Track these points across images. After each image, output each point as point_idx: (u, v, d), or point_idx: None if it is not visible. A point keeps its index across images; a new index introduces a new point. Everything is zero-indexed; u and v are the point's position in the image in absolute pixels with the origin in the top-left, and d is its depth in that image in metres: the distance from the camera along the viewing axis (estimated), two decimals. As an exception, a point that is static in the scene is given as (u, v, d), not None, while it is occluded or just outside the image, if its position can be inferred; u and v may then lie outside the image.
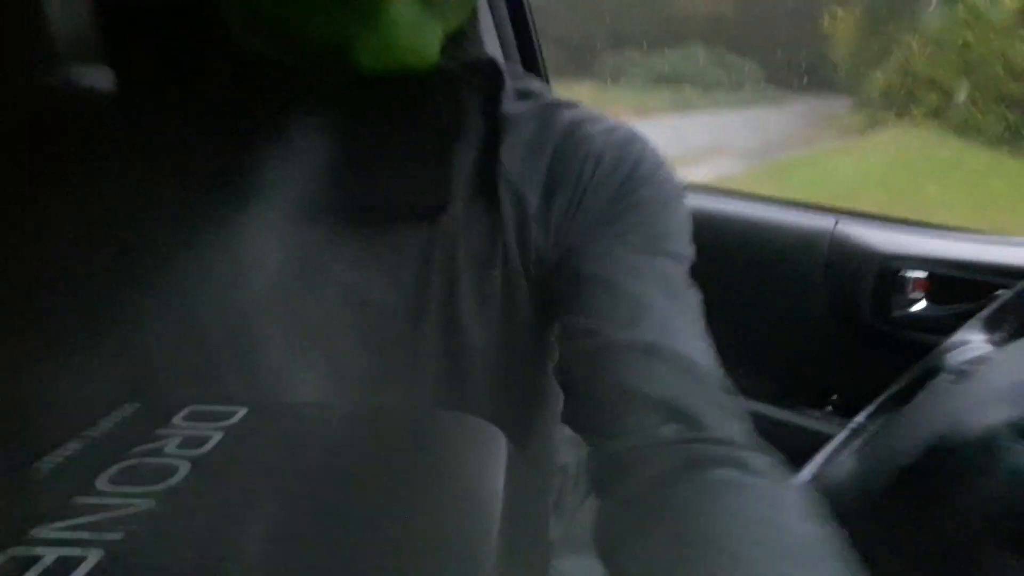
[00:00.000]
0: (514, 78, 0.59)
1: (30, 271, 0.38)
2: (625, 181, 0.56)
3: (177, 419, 0.29)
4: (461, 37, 0.50)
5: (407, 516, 0.24)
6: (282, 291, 0.48)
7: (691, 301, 0.54)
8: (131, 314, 0.43)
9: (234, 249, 0.47)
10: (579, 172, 0.54)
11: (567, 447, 0.59)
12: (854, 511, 0.54)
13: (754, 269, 1.05)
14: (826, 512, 0.38)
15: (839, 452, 0.67)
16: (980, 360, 0.60)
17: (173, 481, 0.25)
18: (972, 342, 0.67)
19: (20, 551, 0.22)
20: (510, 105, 0.56)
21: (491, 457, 0.26)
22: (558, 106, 0.57)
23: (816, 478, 0.66)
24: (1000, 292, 0.81)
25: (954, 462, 0.52)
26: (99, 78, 0.51)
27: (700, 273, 0.49)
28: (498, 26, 1.31)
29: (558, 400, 0.52)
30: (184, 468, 0.25)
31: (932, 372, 0.64)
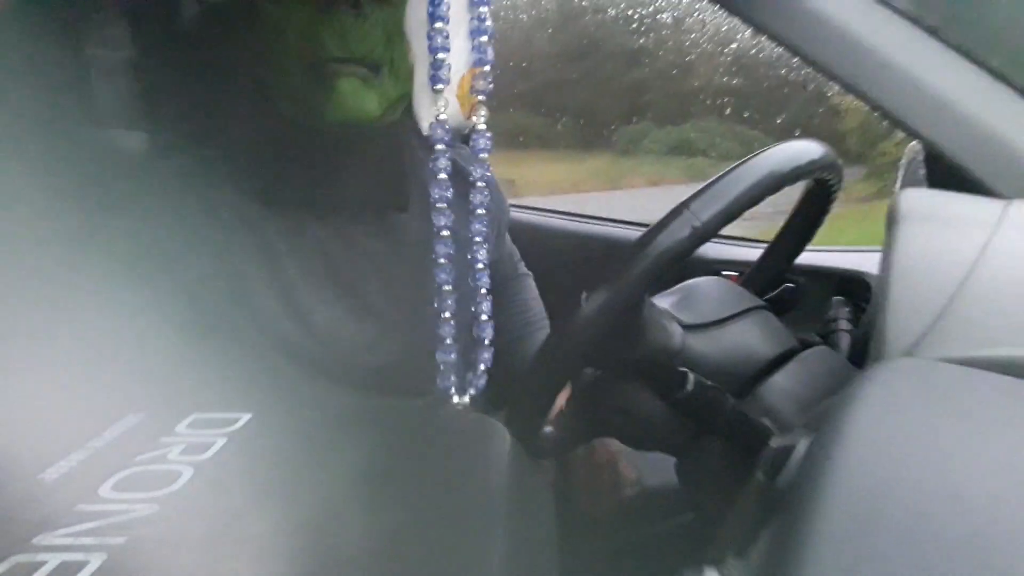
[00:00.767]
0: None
1: (43, 287, 0.40)
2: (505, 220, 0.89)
3: (181, 426, 0.29)
4: (406, 99, 0.72)
5: (412, 512, 0.24)
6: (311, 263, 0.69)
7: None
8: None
9: (263, 248, 0.68)
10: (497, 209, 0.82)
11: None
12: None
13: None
14: None
15: None
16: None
17: (175, 486, 0.25)
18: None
19: (24, 558, 0.22)
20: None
21: (493, 451, 0.26)
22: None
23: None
24: (789, 285, 1.16)
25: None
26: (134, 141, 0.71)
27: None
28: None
29: None
30: (187, 473, 0.25)
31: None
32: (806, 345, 0.70)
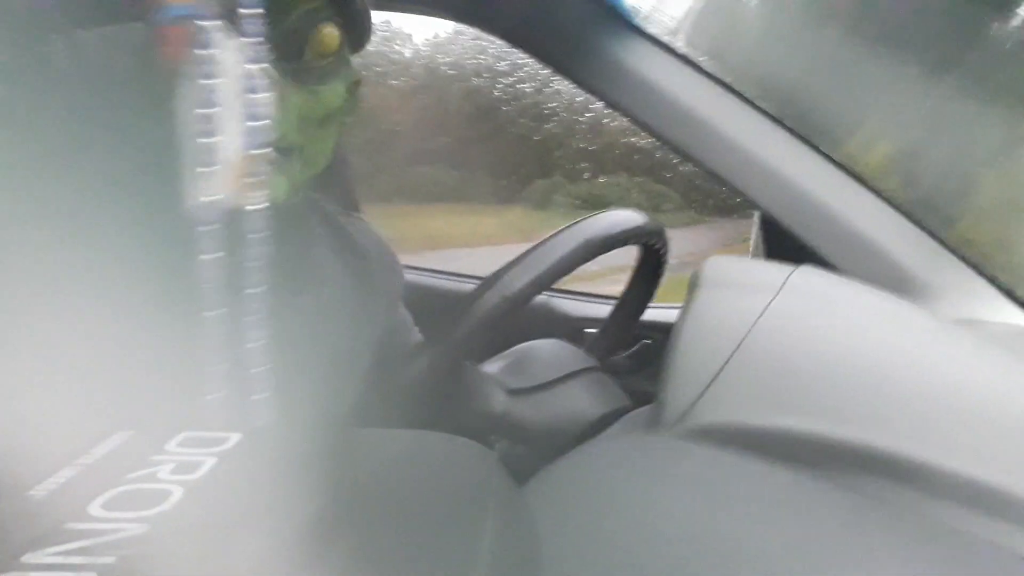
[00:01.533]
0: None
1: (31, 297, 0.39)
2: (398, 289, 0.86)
3: (171, 445, 0.29)
4: (311, 182, 0.71)
5: (399, 535, 0.25)
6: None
7: None
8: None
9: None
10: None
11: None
12: None
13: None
14: None
15: None
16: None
17: (166, 506, 0.25)
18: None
19: None
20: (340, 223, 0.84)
21: (481, 476, 0.27)
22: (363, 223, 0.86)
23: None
24: (646, 341, 1.23)
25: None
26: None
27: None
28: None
29: None
30: (177, 493, 0.26)
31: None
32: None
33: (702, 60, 0.86)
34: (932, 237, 0.82)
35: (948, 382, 0.45)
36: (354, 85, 0.75)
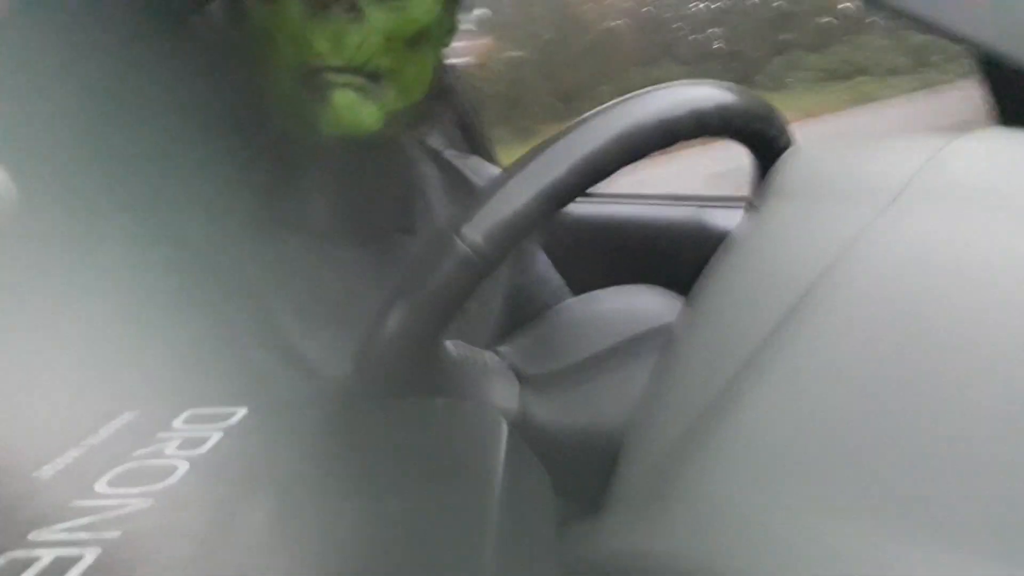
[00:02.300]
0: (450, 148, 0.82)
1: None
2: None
3: (177, 422, 0.29)
4: (411, 111, 0.67)
5: (406, 506, 0.24)
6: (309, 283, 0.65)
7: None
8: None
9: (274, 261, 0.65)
10: None
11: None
12: None
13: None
14: None
15: None
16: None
17: (171, 480, 0.25)
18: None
19: (19, 553, 0.22)
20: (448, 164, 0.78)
21: (491, 443, 0.26)
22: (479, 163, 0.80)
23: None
24: None
25: None
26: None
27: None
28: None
29: None
30: (183, 468, 0.25)
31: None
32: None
33: None
34: None
35: None
36: (451, 2, 0.69)
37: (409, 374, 0.39)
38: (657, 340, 0.48)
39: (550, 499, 0.29)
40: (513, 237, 0.39)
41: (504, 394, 0.44)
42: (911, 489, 0.24)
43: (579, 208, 1.40)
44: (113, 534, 0.22)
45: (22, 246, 0.36)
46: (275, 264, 0.65)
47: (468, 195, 0.71)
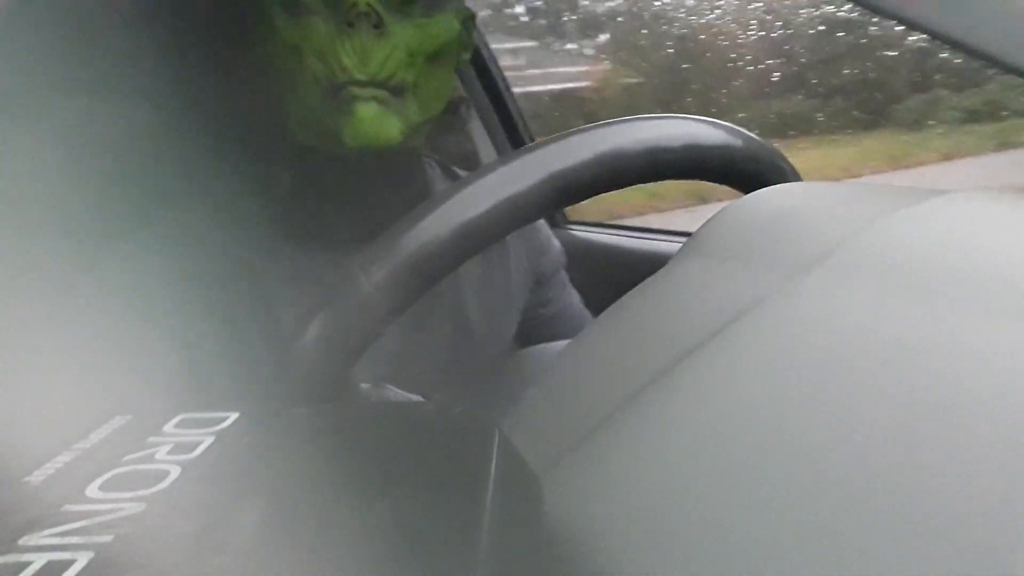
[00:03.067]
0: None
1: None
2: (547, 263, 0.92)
3: (169, 427, 0.29)
4: (429, 124, 0.71)
5: (397, 509, 0.24)
6: None
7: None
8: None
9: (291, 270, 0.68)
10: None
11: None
12: None
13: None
14: None
15: None
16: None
17: (163, 485, 0.25)
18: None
19: (9, 558, 0.22)
20: None
21: (482, 447, 0.26)
22: None
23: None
24: None
25: None
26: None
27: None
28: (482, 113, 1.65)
29: None
30: (174, 472, 0.25)
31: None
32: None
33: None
34: None
35: None
36: (468, 20, 0.74)
37: (318, 396, 0.38)
38: None
39: (541, 504, 0.29)
40: (423, 277, 0.38)
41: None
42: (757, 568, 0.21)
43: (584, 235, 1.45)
44: (105, 538, 0.22)
45: (25, 248, 0.36)
46: (292, 273, 0.68)
47: None
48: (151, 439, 0.28)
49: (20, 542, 0.22)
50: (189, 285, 0.61)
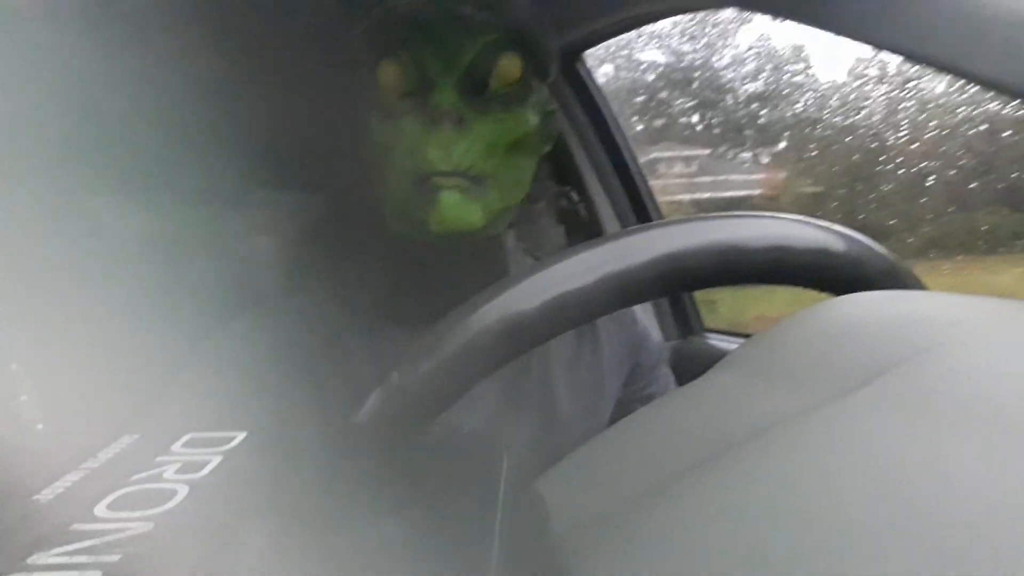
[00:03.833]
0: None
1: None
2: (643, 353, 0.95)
3: (177, 446, 0.29)
4: (510, 212, 0.77)
5: (406, 530, 0.24)
6: None
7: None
8: None
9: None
10: None
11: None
12: None
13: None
14: None
15: None
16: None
17: (171, 504, 0.25)
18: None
19: None
20: None
21: (491, 470, 0.27)
22: None
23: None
24: None
25: None
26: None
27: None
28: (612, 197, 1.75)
29: None
30: (182, 491, 0.26)
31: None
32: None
33: None
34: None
35: None
36: (548, 114, 0.80)
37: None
38: None
39: (549, 527, 0.29)
40: (463, 375, 0.37)
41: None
42: None
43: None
44: (113, 557, 0.22)
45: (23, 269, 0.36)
46: (381, 351, 0.74)
47: None
48: (159, 458, 0.28)
49: (29, 560, 0.22)
50: (289, 357, 0.70)
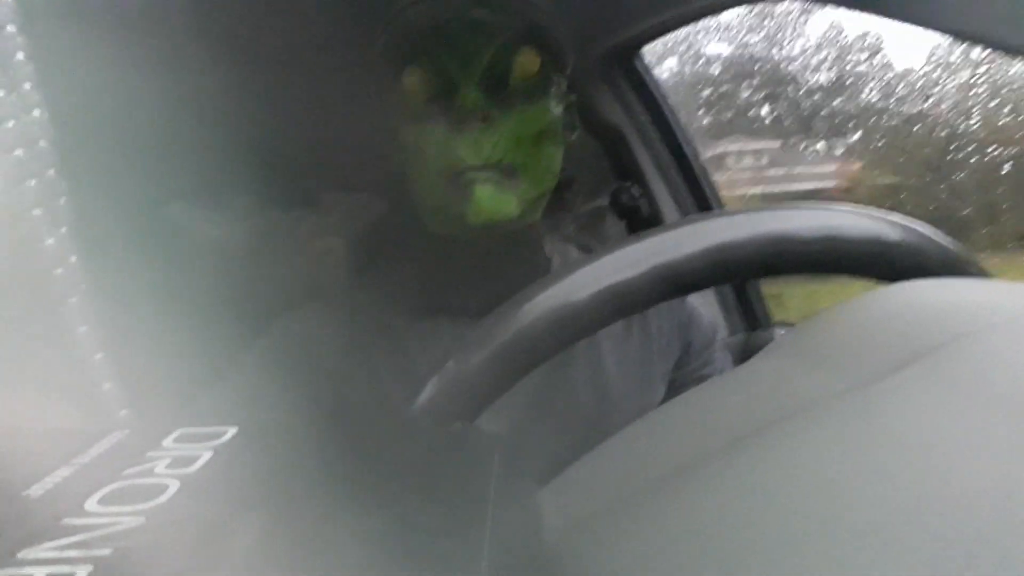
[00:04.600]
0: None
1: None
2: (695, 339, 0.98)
3: (168, 441, 0.29)
4: (544, 199, 0.82)
5: (398, 523, 0.24)
6: None
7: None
8: None
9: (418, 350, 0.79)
10: None
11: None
12: None
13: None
14: None
15: None
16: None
17: (162, 499, 0.25)
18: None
19: (8, 572, 0.22)
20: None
21: (482, 462, 0.27)
22: None
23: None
24: None
25: None
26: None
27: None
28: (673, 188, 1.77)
29: None
30: (173, 486, 0.26)
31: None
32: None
33: None
34: None
35: None
36: (570, 105, 0.85)
37: None
38: None
39: (540, 519, 0.29)
40: (514, 365, 0.38)
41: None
42: None
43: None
44: (104, 552, 0.22)
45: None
46: (428, 336, 0.80)
47: None
48: (150, 453, 0.28)
49: (19, 555, 0.22)
50: (343, 342, 0.77)
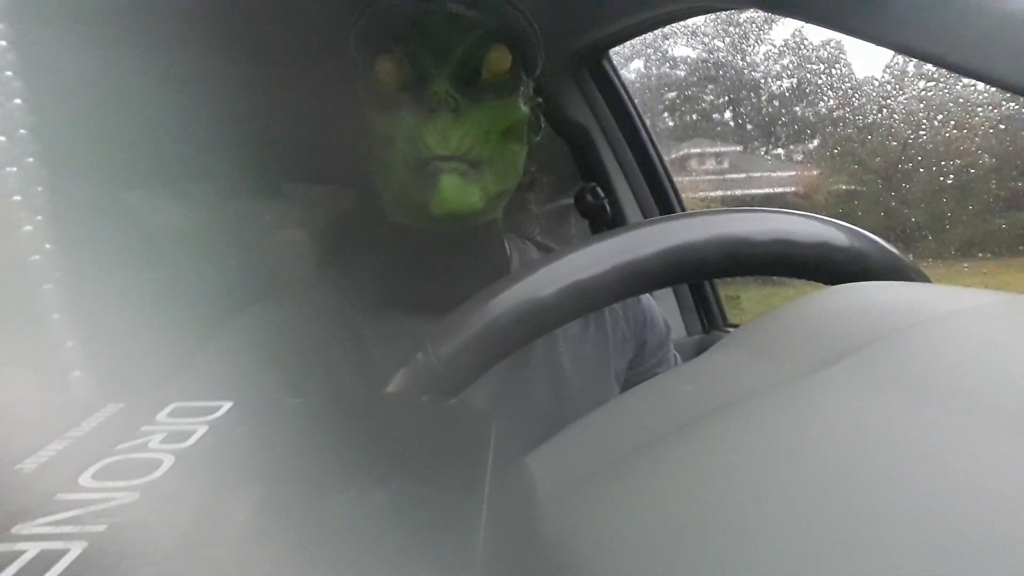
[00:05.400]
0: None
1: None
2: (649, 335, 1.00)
3: (161, 415, 0.29)
4: (506, 196, 0.83)
5: (393, 499, 0.24)
6: None
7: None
8: None
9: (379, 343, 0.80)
10: None
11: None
12: None
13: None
14: None
15: None
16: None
17: (156, 474, 0.25)
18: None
19: (2, 547, 0.22)
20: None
21: (478, 439, 0.27)
22: None
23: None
24: None
25: None
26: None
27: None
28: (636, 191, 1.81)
29: None
30: (168, 461, 0.25)
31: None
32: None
33: None
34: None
35: None
36: (536, 106, 0.86)
37: None
38: None
39: (535, 495, 0.29)
40: (482, 356, 0.40)
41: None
42: None
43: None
44: (99, 527, 0.22)
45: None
46: (386, 330, 0.80)
47: None
48: (144, 428, 0.28)
49: (13, 531, 0.22)
50: (303, 337, 0.77)
